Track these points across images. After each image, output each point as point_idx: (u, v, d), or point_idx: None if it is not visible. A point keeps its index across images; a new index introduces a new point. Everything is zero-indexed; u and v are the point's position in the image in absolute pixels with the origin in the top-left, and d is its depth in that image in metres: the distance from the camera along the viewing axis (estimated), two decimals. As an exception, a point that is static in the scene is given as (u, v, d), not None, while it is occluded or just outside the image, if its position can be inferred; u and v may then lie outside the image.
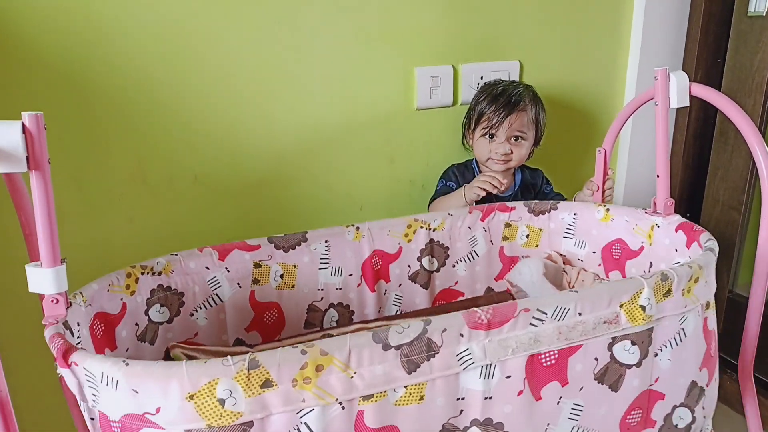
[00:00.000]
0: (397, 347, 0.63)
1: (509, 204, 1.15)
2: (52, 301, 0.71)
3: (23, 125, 0.67)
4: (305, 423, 0.62)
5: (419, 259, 1.11)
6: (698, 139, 1.33)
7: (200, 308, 0.98)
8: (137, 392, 0.59)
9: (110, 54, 0.98)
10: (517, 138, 1.13)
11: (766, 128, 1.20)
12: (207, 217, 1.10)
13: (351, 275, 1.07)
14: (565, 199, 1.23)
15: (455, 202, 1.14)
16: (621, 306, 0.72)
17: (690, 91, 0.95)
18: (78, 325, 0.75)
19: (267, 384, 0.59)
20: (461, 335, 0.66)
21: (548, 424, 0.72)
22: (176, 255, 0.95)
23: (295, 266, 1.03)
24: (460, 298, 1.15)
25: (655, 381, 0.77)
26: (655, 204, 1.01)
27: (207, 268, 0.97)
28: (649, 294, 0.73)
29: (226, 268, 0.99)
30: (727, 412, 1.26)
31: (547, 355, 0.70)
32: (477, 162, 1.21)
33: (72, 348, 0.63)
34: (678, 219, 0.97)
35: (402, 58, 1.17)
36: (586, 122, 1.36)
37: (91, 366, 0.60)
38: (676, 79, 0.95)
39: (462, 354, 0.66)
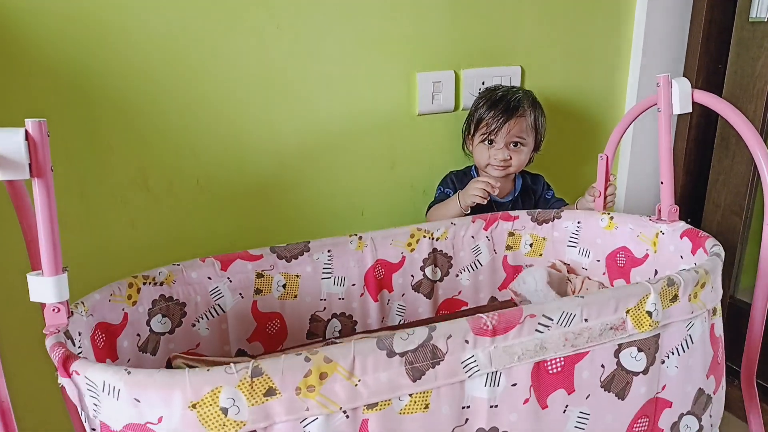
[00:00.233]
0: (402, 354, 0.63)
1: (512, 213, 1.15)
2: (54, 310, 0.70)
3: (26, 132, 0.67)
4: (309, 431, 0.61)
5: (422, 269, 1.10)
6: (699, 144, 1.33)
7: (202, 318, 0.97)
8: (139, 401, 0.58)
9: (112, 60, 0.98)
10: (516, 144, 1.13)
11: (767, 134, 1.20)
12: (209, 223, 1.10)
13: (354, 285, 1.06)
14: (566, 205, 1.23)
15: (452, 209, 1.14)
16: (627, 312, 0.72)
17: (692, 98, 0.95)
18: (79, 335, 0.74)
19: (270, 392, 0.59)
20: (466, 341, 0.65)
21: (555, 432, 0.71)
22: (178, 265, 0.95)
23: (297, 276, 1.03)
24: (464, 308, 1.14)
25: (662, 389, 0.76)
26: (659, 211, 1.01)
27: (209, 278, 0.97)
28: (655, 299, 0.72)
29: (228, 278, 0.98)
30: (728, 418, 1.24)
31: (553, 362, 0.69)
32: (476, 168, 1.21)
33: (73, 357, 0.62)
34: (683, 226, 0.97)
35: (404, 64, 1.17)
36: (588, 128, 1.36)
37: (92, 375, 0.59)
38: (678, 86, 0.94)
39: (467, 361, 0.66)
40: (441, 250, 1.11)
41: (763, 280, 0.87)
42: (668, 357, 0.76)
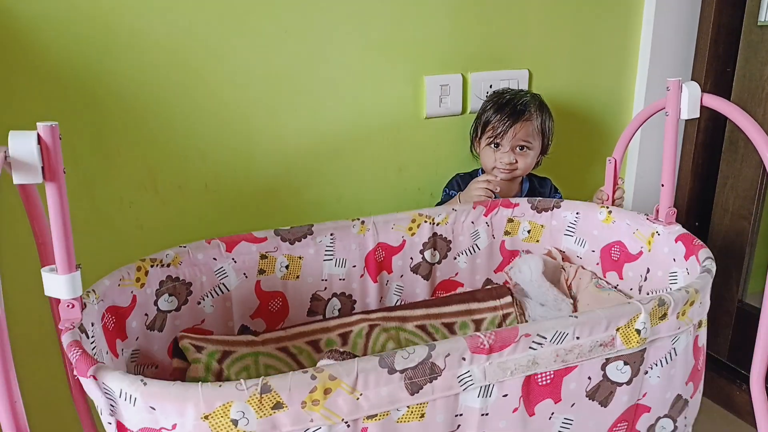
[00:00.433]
0: (402, 371, 0.66)
1: (513, 200, 1.16)
2: (68, 306, 0.73)
3: (38, 135, 0.67)
4: (312, 440, 0.65)
5: (422, 252, 1.13)
6: (707, 148, 1.34)
7: (207, 297, 1.00)
8: (154, 409, 0.62)
9: (121, 63, 0.98)
10: (522, 147, 1.14)
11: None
12: (217, 225, 1.12)
13: (354, 266, 1.09)
14: None
15: None
16: (617, 330, 0.75)
17: (701, 102, 0.95)
18: (92, 326, 0.77)
19: (278, 406, 0.62)
20: (463, 359, 0.69)
21: (540, 437, 0.77)
22: (185, 247, 0.97)
23: (300, 258, 1.05)
24: (459, 289, 1.18)
25: (643, 396, 0.81)
26: (657, 211, 1.02)
27: (214, 259, 1.00)
28: (645, 318, 0.75)
29: (233, 259, 1.01)
30: (736, 423, 1.30)
31: (544, 375, 0.73)
32: (483, 171, 1.21)
33: (91, 361, 0.65)
34: (679, 229, 0.99)
35: (411, 67, 1.17)
36: (595, 131, 1.36)
37: (110, 382, 0.63)
38: (687, 90, 0.94)
39: (463, 376, 0.69)
40: (441, 235, 1.13)
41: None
42: (652, 368, 0.80)
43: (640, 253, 1.06)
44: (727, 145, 1.26)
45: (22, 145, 0.66)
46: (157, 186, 1.04)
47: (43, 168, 0.68)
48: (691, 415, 0.89)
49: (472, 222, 1.15)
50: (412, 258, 1.13)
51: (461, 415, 0.71)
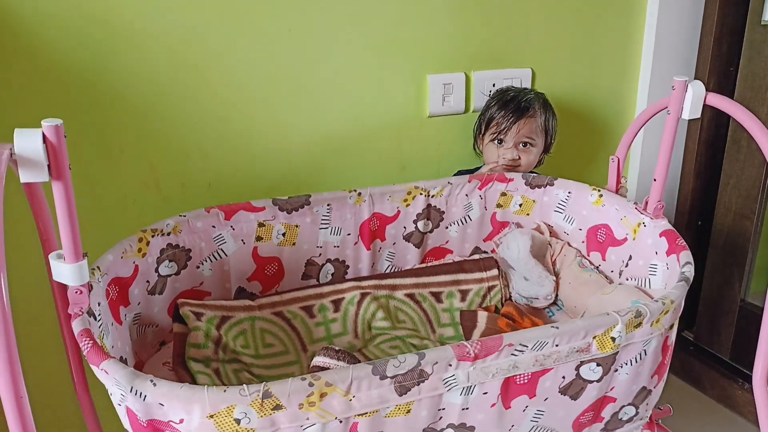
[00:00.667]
0: (393, 377, 0.71)
1: (508, 175, 1.18)
2: (77, 292, 0.76)
3: (43, 134, 0.67)
4: (307, 433, 0.71)
5: (415, 222, 1.16)
6: (710, 147, 1.33)
7: (206, 261, 1.04)
8: (163, 405, 0.67)
9: (124, 62, 0.96)
10: (525, 144, 1.14)
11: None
12: None
13: (349, 234, 1.12)
14: None
15: None
16: (594, 337, 0.80)
17: (705, 101, 0.95)
18: (99, 305, 0.81)
19: (277, 408, 0.68)
20: (450, 365, 0.74)
21: (513, 425, 0.84)
22: (184, 216, 0.99)
23: (297, 226, 1.08)
24: (449, 256, 1.23)
25: (611, 389, 0.88)
26: (646, 203, 1.05)
27: (213, 227, 1.02)
28: (621, 328, 0.81)
29: (232, 226, 1.04)
30: (739, 422, 1.33)
31: (522, 376, 0.79)
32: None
33: (102, 354, 0.69)
34: (665, 225, 1.03)
35: (414, 66, 1.15)
36: (598, 130, 1.35)
37: (120, 378, 0.67)
38: (692, 90, 0.94)
39: (448, 379, 0.75)
40: (435, 206, 1.16)
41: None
42: (622, 366, 0.86)
43: (625, 239, 1.10)
44: (730, 144, 1.26)
45: (28, 143, 0.66)
46: (159, 184, 1.04)
47: (49, 166, 0.68)
48: (653, 401, 0.97)
49: (467, 195, 1.17)
50: (405, 227, 1.16)
51: (443, 409, 0.78)
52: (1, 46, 0.92)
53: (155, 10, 0.96)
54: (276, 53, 1.05)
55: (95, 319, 0.78)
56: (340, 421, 0.72)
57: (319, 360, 0.83)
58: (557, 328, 0.78)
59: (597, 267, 1.15)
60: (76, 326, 0.73)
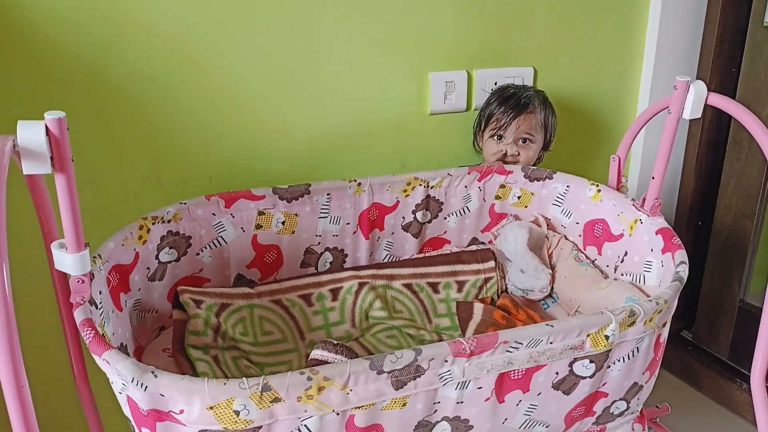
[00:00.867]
0: (390, 372, 0.73)
1: (507, 167, 1.19)
2: (78, 281, 0.77)
3: (46, 126, 0.67)
4: (305, 425, 0.73)
5: (414, 213, 1.17)
6: (711, 147, 1.33)
7: (206, 249, 1.05)
8: (163, 396, 0.68)
9: (126, 56, 0.96)
10: (524, 140, 1.14)
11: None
12: None
13: (348, 224, 1.13)
14: None
15: None
16: (588, 335, 0.82)
17: (706, 101, 0.96)
18: (100, 293, 0.82)
19: (276, 400, 0.69)
20: (446, 361, 0.75)
21: (506, 419, 0.86)
22: (185, 203, 1.00)
23: (296, 215, 1.09)
24: (446, 246, 1.24)
25: (603, 385, 0.90)
26: (644, 200, 1.06)
27: (213, 214, 1.03)
28: (615, 327, 0.82)
29: (232, 214, 1.04)
30: (737, 422, 1.35)
31: (516, 372, 0.81)
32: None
33: (104, 344, 0.70)
34: (661, 222, 1.03)
35: (416, 63, 1.15)
36: (599, 129, 1.35)
37: (122, 369, 0.68)
38: (694, 90, 0.94)
39: (443, 374, 0.76)
40: (434, 197, 1.17)
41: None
42: (614, 363, 0.88)
43: (621, 235, 1.11)
44: (731, 144, 1.26)
45: (32, 135, 0.67)
46: (161, 178, 1.04)
47: (51, 158, 0.68)
48: (644, 396, 0.99)
49: (466, 186, 1.18)
50: (404, 217, 1.17)
51: (438, 402, 0.79)
52: (4, 39, 0.92)
53: (158, 5, 0.96)
54: (278, 49, 1.05)
55: (96, 307, 0.79)
56: (337, 414, 0.73)
57: (317, 353, 0.84)
58: (552, 326, 0.79)
59: (593, 261, 1.16)
60: (78, 315, 0.74)
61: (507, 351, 0.78)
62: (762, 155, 0.89)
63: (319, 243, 1.13)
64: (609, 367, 0.88)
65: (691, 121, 1.37)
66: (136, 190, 1.07)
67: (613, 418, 0.96)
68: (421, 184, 1.14)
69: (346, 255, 1.16)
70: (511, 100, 1.14)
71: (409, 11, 1.11)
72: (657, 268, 1.02)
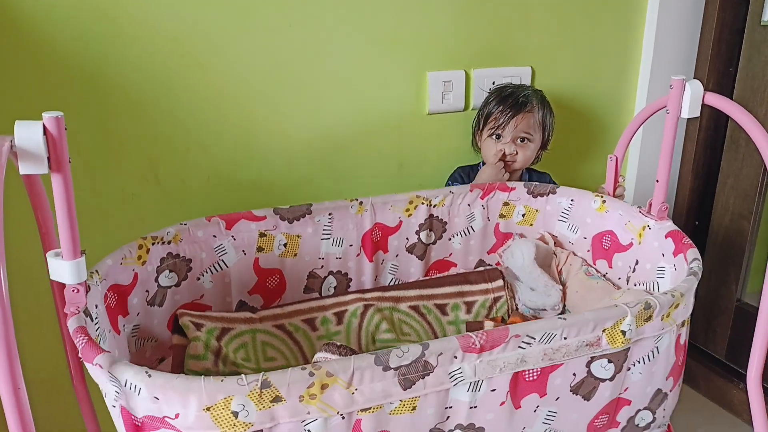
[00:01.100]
0: (396, 368, 0.69)
1: (510, 184, 1.18)
2: (73, 290, 0.75)
3: (44, 126, 0.67)
4: (308, 430, 0.68)
5: (417, 233, 1.15)
6: (709, 147, 1.34)
7: (206, 273, 1.03)
8: (158, 399, 0.65)
9: (125, 55, 0.97)
10: (523, 139, 1.15)
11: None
12: None
13: (351, 246, 1.11)
14: None
15: None
16: (603, 330, 0.78)
17: (703, 100, 0.96)
18: (96, 308, 0.80)
19: (276, 399, 0.65)
20: (455, 357, 0.72)
21: (524, 427, 0.80)
22: (185, 224, 0.99)
23: (298, 236, 1.07)
24: (453, 269, 1.21)
25: (625, 390, 0.85)
26: (650, 206, 1.04)
27: (214, 236, 1.01)
28: (631, 321, 0.78)
29: (233, 236, 1.03)
30: (734, 422, 1.32)
31: (531, 372, 0.77)
32: (484, 164, 1.22)
33: (97, 348, 0.67)
34: (670, 225, 1.01)
35: (414, 63, 1.16)
36: (597, 128, 1.36)
37: (115, 371, 0.65)
38: (690, 89, 0.94)
39: (454, 372, 0.72)
40: (437, 216, 1.15)
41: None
42: (634, 365, 0.84)
43: (631, 244, 1.08)
44: (728, 144, 1.26)
45: (29, 135, 0.67)
46: (159, 178, 1.05)
47: (48, 158, 0.68)
48: (670, 406, 0.94)
49: (469, 204, 1.16)
50: (407, 238, 1.15)
51: (450, 407, 0.75)
52: (3, 38, 0.92)
53: (157, 3, 0.97)
54: (276, 48, 1.06)
55: (92, 320, 0.76)
56: (343, 417, 0.69)
57: (320, 356, 0.81)
58: (565, 319, 0.76)
59: (604, 275, 1.13)
60: (72, 324, 0.72)
61: (519, 347, 0.74)
62: (759, 155, 0.88)
63: (322, 266, 1.11)
64: (629, 369, 0.84)
65: (688, 120, 1.37)
66: (135, 190, 1.06)
67: (639, 431, 0.91)
68: (423, 203, 1.13)
69: (351, 279, 1.14)
70: (510, 99, 1.15)
71: (407, 11, 1.13)
72: (670, 272, 0.99)
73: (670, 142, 0.99)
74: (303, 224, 1.06)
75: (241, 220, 1.02)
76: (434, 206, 1.14)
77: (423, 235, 1.15)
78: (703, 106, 0.96)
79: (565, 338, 0.76)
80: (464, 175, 1.22)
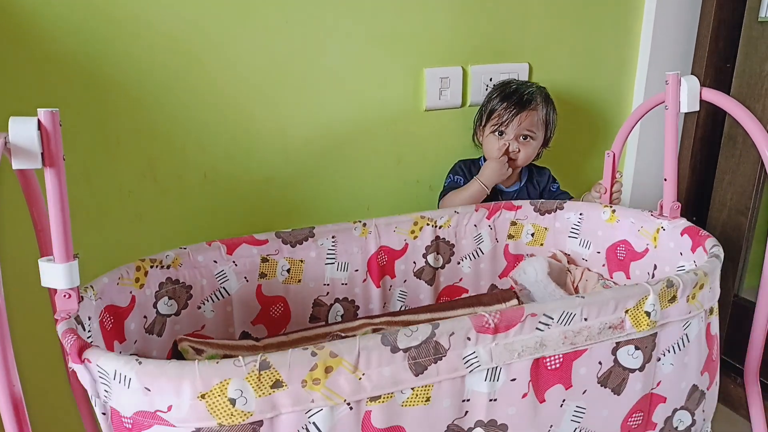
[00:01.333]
0: (405, 350, 0.64)
1: (516, 203, 1.16)
2: (65, 296, 0.72)
3: (39, 121, 0.67)
4: (314, 423, 0.63)
5: (425, 256, 1.11)
6: (706, 143, 1.34)
7: (207, 301, 0.99)
8: (149, 390, 0.60)
9: (122, 52, 0.99)
10: (525, 137, 1.14)
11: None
12: (215, 215, 1.11)
13: (357, 271, 1.08)
14: (571, 198, 1.24)
15: (472, 190, 1.15)
16: (626, 312, 0.73)
17: (700, 96, 0.96)
18: (89, 320, 0.76)
19: (277, 384, 0.60)
20: (468, 338, 0.67)
21: (551, 425, 0.74)
22: (185, 249, 0.96)
23: (301, 261, 1.04)
24: (464, 295, 1.16)
25: (657, 385, 0.78)
26: (661, 207, 1.01)
27: (215, 261, 0.98)
28: (654, 300, 0.73)
29: (234, 262, 1.00)
30: (731, 416, 1.26)
31: (552, 359, 0.71)
32: (485, 159, 1.21)
33: (85, 345, 0.63)
34: (684, 223, 0.98)
35: (411, 59, 1.17)
36: (595, 124, 1.36)
37: (104, 363, 0.61)
38: (687, 84, 0.95)
39: (469, 357, 0.67)
40: (443, 238, 1.12)
41: (768, 279, 0.88)
42: (664, 355, 0.78)
43: (646, 250, 1.05)
44: (726, 140, 1.26)
45: (23, 130, 0.66)
46: (156, 175, 1.04)
47: (42, 154, 0.68)
48: (709, 408, 0.86)
49: (475, 225, 1.14)
50: (415, 262, 1.11)
51: (468, 400, 0.69)
52: (0, 36, 0.93)
53: (155, 1, 0.98)
54: (274, 45, 1.07)
55: (84, 328, 0.73)
56: (351, 407, 0.64)
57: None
58: (584, 297, 0.71)
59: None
60: (61, 327, 0.68)
61: (537, 329, 0.69)
62: (756, 150, 0.88)
63: (327, 293, 1.07)
64: (659, 359, 0.78)
65: (686, 116, 1.35)
66: (131, 187, 1.04)
67: (679, 435, 0.83)
68: (428, 224, 1.10)
69: (358, 306, 1.09)
70: (514, 97, 1.14)
71: (405, 8, 1.14)
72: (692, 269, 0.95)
73: (674, 139, 0.98)
74: (306, 248, 1.04)
75: (243, 244, 1.00)
76: (440, 227, 1.11)
77: (431, 258, 1.12)
78: (700, 102, 0.96)
79: (585, 319, 0.71)
80: (465, 168, 1.20)
